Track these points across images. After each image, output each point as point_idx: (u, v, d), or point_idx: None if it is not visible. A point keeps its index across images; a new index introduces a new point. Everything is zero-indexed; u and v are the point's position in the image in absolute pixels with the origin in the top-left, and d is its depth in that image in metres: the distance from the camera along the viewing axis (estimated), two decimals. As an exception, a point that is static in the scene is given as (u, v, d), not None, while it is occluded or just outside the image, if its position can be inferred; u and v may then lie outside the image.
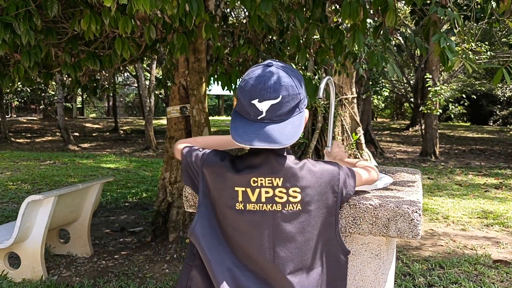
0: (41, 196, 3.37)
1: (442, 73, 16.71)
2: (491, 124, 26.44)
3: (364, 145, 7.65)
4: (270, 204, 1.24)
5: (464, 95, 12.61)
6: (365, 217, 1.31)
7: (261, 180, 1.24)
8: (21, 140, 18.04)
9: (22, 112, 32.57)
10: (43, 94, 21.73)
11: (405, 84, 22.66)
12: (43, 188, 7.49)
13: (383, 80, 23.82)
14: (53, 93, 21.17)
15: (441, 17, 2.89)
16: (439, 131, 13.40)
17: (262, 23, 2.36)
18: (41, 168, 9.79)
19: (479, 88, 20.60)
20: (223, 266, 1.27)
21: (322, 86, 1.44)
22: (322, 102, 7.39)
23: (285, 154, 1.26)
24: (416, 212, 1.25)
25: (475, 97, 13.95)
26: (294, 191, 1.23)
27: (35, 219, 3.50)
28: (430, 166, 10.77)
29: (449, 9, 2.61)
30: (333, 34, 2.67)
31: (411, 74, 22.39)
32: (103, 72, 4.77)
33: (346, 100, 7.53)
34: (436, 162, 11.68)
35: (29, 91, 21.27)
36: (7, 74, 3.83)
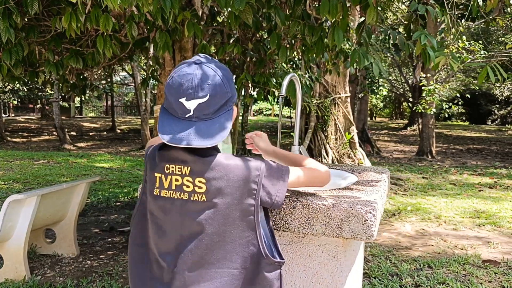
0: (22, 196, 3.33)
1: (441, 72, 16.67)
2: (490, 123, 26.41)
3: (357, 145, 7.60)
4: (179, 192, 1.24)
5: (458, 95, 12.57)
6: (318, 218, 1.27)
7: (172, 167, 1.25)
8: (18, 140, 18.01)
9: (21, 112, 32.55)
10: (40, 93, 21.67)
11: (404, 83, 22.61)
12: (35, 187, 7.46)
13: (381, 79, 23.78)
14: (51, 92, 21.11)
15: (438, 17, 2.85)
16: (437, 130, 13.36)
17: (238, 20, 2.32)
18: (34, 167, 9.75)
19: (473, 87, 20.52)
20: (144, 254, 1.32)
21: (285, 83, 1.40)
22: (315, 101, 7.36)
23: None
24: (370, 212, 1.21)
25: (469, 96, 13.89)
26: (199, 181, 1.22)
27: (18, 219, 3.46)
28: (425, 166, 10.73)
29: (431, 6, 2.57)
30: (313, 31, 2.63)
31: (410, 74, 22.34)
32: (91, 70, 4.73)
33: (340, 99, 7.49)
34: (432, 162, 11.64)
35: (26, 90, 21.21)
36: (-9, 73, 3.78)
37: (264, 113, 35.66)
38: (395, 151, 14.12)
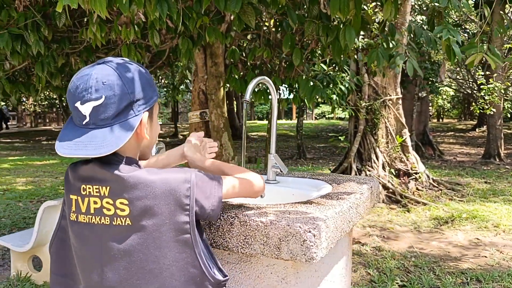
0: (56, 202, 3.45)
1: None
2: None
3: (410, 148, 7.23)
4: (99, 217, 1.09)
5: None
6: (256, 236, 1.15)
7: (89, 188, 1.10)
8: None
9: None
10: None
11: (472, 83, 21.38)
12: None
13: (447, 79, 22.60)
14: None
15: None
16: (510, 131, 12.45)
17: (242, 23, 2.25)
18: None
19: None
20: (71, 286, 1.19)
21: (251, 87, 1.30)
22: (364, 104, 7.11)
23: (117, 159, 1.11)
24: (309, 232, 1.07)
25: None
26: (121, 203, 1.07)
27: (54, 224, 3.59)
28: (491, 170, 10.03)
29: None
30: (328, 31, 2.50)
31: (481, 72, 21.08)
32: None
33: (390, 101, 7.17)
34: (499, 165, 10.87)
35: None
36: (32, 84, 3.98)
37: (326, 116, 35.20)
38: (459, 154, 13.35)
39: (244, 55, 4.26)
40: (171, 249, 1.09)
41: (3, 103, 23.60)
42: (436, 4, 2.18)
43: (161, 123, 35.66)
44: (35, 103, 26.92)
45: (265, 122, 33.81)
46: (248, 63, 4.08)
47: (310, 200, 1.37)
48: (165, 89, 21.50)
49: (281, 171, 1.60)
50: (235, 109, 21.99)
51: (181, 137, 23.25)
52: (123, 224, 1.08)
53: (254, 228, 1.17)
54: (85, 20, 3.62)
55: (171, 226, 1.08)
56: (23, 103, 27.76)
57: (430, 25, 2.45)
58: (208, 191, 1.13)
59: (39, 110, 30.72)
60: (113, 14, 3.16)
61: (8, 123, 29.02)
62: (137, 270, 1.09)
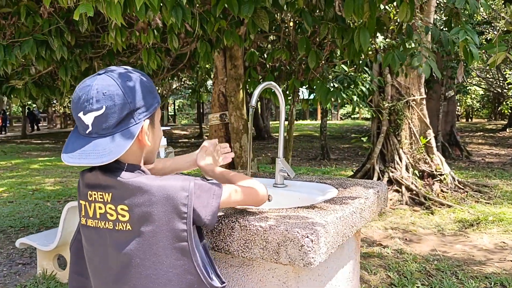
0: (79, 203, 3.54)
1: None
2: None
3: (434, 149, 7.11)
4: (104, 222, 1.15)
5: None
6: (256, 241, 1.16)
7: (94, 194, 1.16)
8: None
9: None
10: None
11: (502, 82, 20.86)
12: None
13: (476, 78, 22.10)
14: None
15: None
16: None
17: (256, 27, 2.27)
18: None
19: None
20: (86, 284, 1.27)
21: (257, 93, 1.31)
22: (386, 105, 7.03)
23: (119, 167, 1.14)
24: (307, 237, 1.07)
25: None
26: (122, 209, 1.11)
27: (77, 224, 3.69)
28: (521, 171, 9.77)
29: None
30: (343, 34, 2.49)
31: (509, 72, 20.54)
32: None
33: (414, 102, 7.07)
34: (530, 166, 10.57)
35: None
36: (57, 88, 4.10)
37: (352, 116, 34.91)
38: (488, 155, 13.04)
39: (264, 57, 4.28)
40: (168, 255, 1.12)
41: (34, 105, 24.31)
42: (456, 5, 2.15)
43: (186, 124, 36.03)
44: (64, 105, 27.67)
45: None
46: (267, 65, 4.09)
47: (313, 205, 1.37)
48: (189, 91, 21.76)
49: (288, 175, 1.61)
50: (259, 110, 22.04)
51: (206, 137, 23.46)
52: (124, 229, 1.12)
53: (253, 233, 1.19)
54: (107, 25, 3.70)
55: (168, 233, 1.11)
56: (53, 104, 28.50)
57: (448, 26, 2.41)
58: (206, 200, 1.15)
59: (69, 112, 31.47)
60: (133, 19, 3.23)
61: (39, 124, 29.84)
62: (135, 275, 1.13)
